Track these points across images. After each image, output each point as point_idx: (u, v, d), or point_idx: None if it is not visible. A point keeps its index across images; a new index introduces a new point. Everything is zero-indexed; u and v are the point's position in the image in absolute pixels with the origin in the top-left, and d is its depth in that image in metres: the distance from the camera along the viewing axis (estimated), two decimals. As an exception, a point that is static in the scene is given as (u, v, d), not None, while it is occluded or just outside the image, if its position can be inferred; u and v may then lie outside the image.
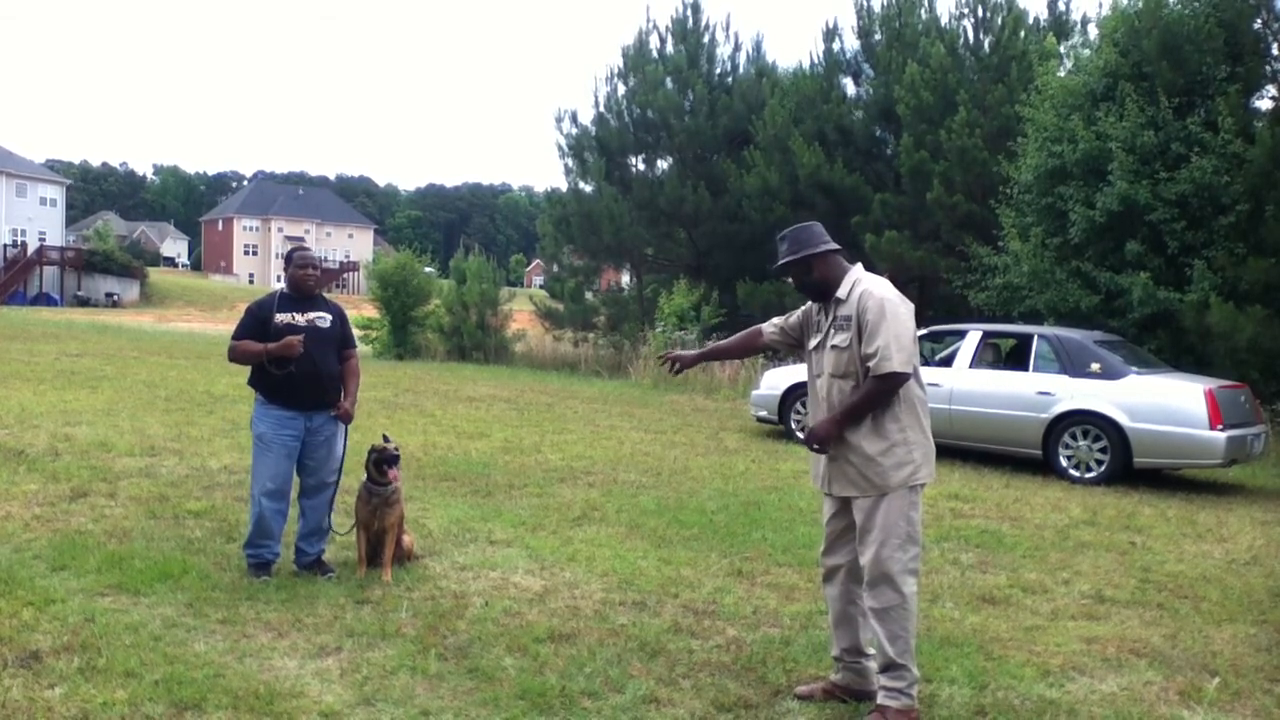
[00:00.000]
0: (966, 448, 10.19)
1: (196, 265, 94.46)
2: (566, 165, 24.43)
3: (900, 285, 4.20)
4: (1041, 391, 9.69)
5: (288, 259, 5.42)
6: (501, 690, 3.87)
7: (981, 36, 19.44)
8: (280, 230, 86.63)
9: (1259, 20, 13.40)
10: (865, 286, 3.80)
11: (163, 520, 6.32)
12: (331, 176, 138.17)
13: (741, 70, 24.08)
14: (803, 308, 4.14)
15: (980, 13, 19.39)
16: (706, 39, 23.91)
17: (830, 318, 3.89)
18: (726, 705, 3.82)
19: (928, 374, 8.21)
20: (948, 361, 10.48)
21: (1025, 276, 13.93)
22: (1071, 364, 9.69)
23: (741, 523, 6.97)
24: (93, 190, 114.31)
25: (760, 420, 12.11)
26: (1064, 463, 9.52)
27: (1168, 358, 12.08)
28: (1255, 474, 10.29)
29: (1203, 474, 10.01)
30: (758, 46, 34.53)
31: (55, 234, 61.32)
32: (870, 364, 3.69)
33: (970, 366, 10.24)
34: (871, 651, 3.88)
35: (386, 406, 12.74)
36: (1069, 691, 4.14)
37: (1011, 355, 10.83)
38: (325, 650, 4.23)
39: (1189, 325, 12.26)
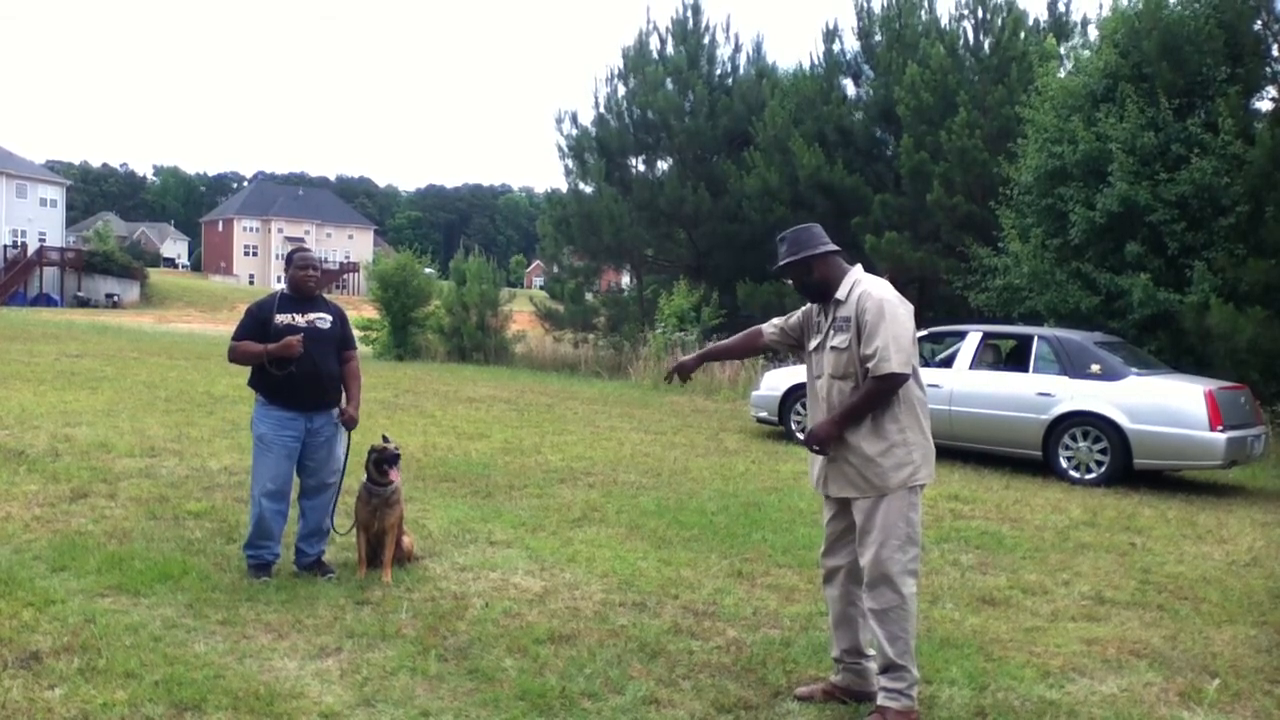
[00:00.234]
0: (966, 449, 10.19)
1: (197, 266, 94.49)
2: (567, 166, 24.48)
3: (900, 286, 4.21)
4: (1041, 392, 9.69)
5: (288, 260, 5.42)
6: (501, 691, 3.87)
7: (981, 38, 19.45)
8: (280, 231, 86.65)
9: (1259, 21, 13.42)
10: (864, 287, 3.80)
11: (163, 521, 6.32)
12: (331, 177, 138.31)
13: (742, 71, 24.11)
14: (803, 308, 4.15)
15: (980, 14, 19.40)
16: (707, 40, 23.94)
17: (830, 319, 3.89)
18: (727, 706, 3.82)
19: (928, 375, 8.22)
20: (948, 363, 10.48)
21: (1025, 277, 13.93)
22: (1071, 365, 9.69)
23: (742, 524, 6.97)
24: (93, 191, 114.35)
25: (760, 421, 12.11)
26: (1064, 464, 9.52)
27: (1168, 359, 12.08)
28: (1255, 475, 10.29)
29: (1203, 475, 10.01)
30: (758, 47, 34.54)
31: (55, 235, 61.35)
32: (869, 365, 3.69)
33: (970, 367, 10.24)
34: (871, 653, 3.89)
35: (386, 407, 12.74)
36: (1069, 693, 4.14)
37: (1011, 356, 10.84)
38: (325, 651, 4.23)
39: (1189, 326, 12.27)
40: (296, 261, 5.36)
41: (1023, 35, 18.68)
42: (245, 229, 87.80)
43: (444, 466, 8.69)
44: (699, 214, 22.20)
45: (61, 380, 14.17)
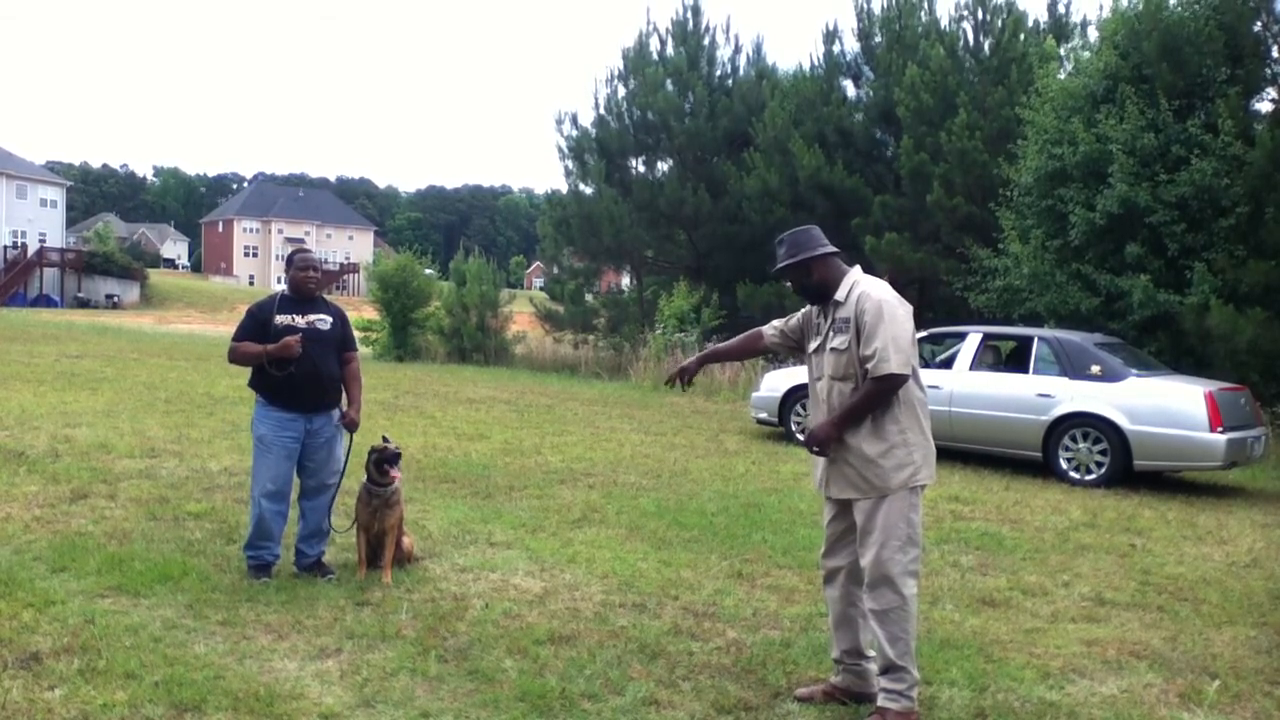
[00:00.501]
0: (967, 450, 10.19)
1: (197, 267, 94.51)
2: (567, 167, 24.49)
3: (900, 287, 4.22)
4: (1042, 394, 9.69)
5: (289, 261, 5.42)
6: (501, 692, 3.87)
7: (981, 39, 19.46)
8: (280, 232, 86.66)
9: (1259, 23, 13.42)
10: (863, 289, 3.80)
11: (163, 522, 6.32)
12: (332, 178, 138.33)
13: (741, 72, 24.11)
14: (802, 310, 4.15)
15: (980, 15, 19.41)
16: (706, 41, 23.94)
17: (829, 320, 3.90)
18: (726, 707, 3.82)
19: (927, 376, 8.21)
20: (948, 364, 10.48)
21: (1025, 279, 13.93)
22: (1071, 366, 9.69)
23: (742, 525, 6.97)
24: (93, 192, 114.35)
25: (760, 422, 12.11)
26: (1064, 465, 9.52)
27: (1168, 360, 12.09)
28: (1255, 476, 10.29)
29: (1203, 476, 10.01)
30: (758, 48, 34.53)
31: (55, 235, 61.36)
32: (868, 366, 3.69)
33: (970, 369, 10.24)
34: (872, 654, 3.89)
35: (386, 408, 12.74)
36: (1069, 694, 4.14)
37: (1012, 357, 10.84)
38: (325, 652, 4.23)
39: (1189, 327, 12.27)
40: (297, 262, 5.36)
41: (1023, 36, 18.68)
42: (245, 230, 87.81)
43: (444, 467, 8.69)
44: (699, 215, 22.21)
45: (61, 381, 14.17)
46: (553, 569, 5.66)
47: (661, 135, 23.31)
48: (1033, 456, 9.79)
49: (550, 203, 26.28)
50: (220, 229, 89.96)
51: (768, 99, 21.67)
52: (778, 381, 11.78)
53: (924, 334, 10.29)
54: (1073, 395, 9.51)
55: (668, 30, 24.00)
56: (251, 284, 79.55)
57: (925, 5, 20.96)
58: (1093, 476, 9.33)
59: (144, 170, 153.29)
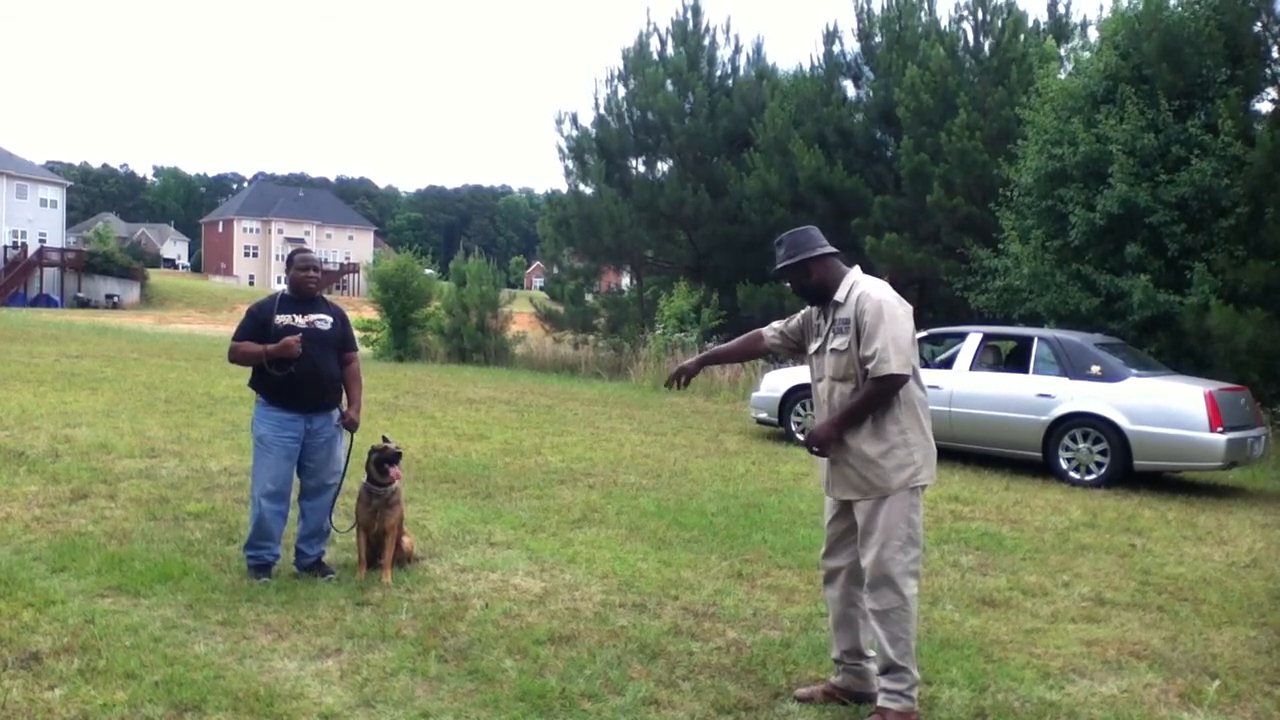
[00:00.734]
0: (967, 450, 10.19)
1: (197, 267, 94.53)
2: (567, 167, 24.49)
3: (900, 287, 4.22)
4: (1042, 394, 9.69)
5: (289, 261, 5.42)
6: (501, 692, 3.87)
7: (981, 39, 19.46)
8: (280, 232, 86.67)
9: (1259, 23, 13.42)
10: (863, 289, 3.80)
11: (163, 522, 6.32)
12: (332, 178, 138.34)
13: (742, 72, 24.11)
14: (803, 311, 4.15)
15: (980, 15, 19.41)
16: (707, 41, 23.95)
17: (829, 321, 3.89)
18: (726, 707, 3.82)
19: (928, 376, 8.21)
20: (948, 364, 10.49)
21: (1025, 279, 13.93)
22: (1072, 366, 9.69)
23: (742, 525, 6.97)
24: (93, 192, 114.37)
25: (760, 422, 12.11)
26: (1064, 465, 9.52)
27: (1168, 360, 12.09)
28: (1255, 476, 10.29)
29: (1203, 476, 10.01)
30: (758, 49, 34.54)
31: (55, 235, 61.37)
32: (868, 366, 3.69)
33: (970, 369, 10.24)
34: (872, 654, 3.89)
35: (386, 408, 12.74)
36: (1069, 694, 4.14)
37: (1012, 357, 10.84)
38: (325, 652, 4.23)
39: (1189, 328, 12.27)
40: (297, 262, 5.36)
41: (1023, 37, 18.68)
42: (245, 230, 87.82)
43: (444, 467, 8.69)
44: (699, 215, 22.21)
45: (61, 381, 14.17)
46: (553, 569, 5.66)
47: (661, 135, 23.31)
48: (1033, 456, 9.79)
49: (550, 203, 26.28)
50: (220, 229, 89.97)
51: (768, 99, 21.67)
52: (778, 381, 11.78)
53: (924, 334, 10.29)
54: (1073, 395, 9.51)
55: (668, 30, 24.02)
56: (251, 284, 79.55)
57: (925, 5, 20.96)
58: (1093, 476, 9.33)
59: (144, 170, 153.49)
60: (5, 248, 56.79)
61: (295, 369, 5.15)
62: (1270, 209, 12.10)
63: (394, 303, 23.55)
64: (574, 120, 24.26)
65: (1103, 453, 9.33)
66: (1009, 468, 10.02)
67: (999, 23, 19.11)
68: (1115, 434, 9.22)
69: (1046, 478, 9.54)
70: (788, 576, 5.71)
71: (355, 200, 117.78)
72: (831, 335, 3.86)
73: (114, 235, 72.02)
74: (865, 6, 21.32)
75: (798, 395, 11.31)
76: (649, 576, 5.57)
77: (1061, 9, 20.14)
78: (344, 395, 5.45)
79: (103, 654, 4.03)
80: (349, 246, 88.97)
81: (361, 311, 25.51)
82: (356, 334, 5.89)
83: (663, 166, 24.45)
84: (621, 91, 23.94)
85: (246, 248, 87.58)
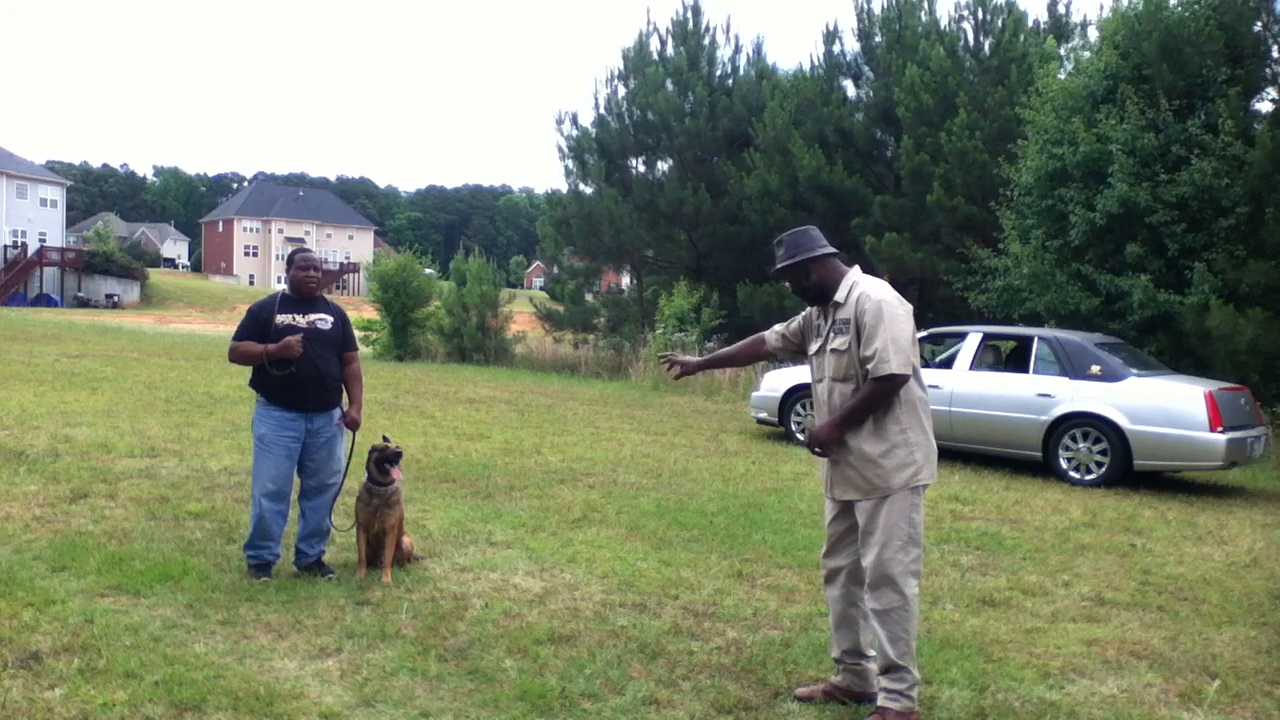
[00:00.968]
0: (967, 450, 10.19)
1: (197, 266, 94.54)
2: (567, 167, 24.52)
3: (900, 287, 4.23)
4: (1042, 393, 9.69)
5: (289, 260, 5.42)
6: (501, 692, 3.87)
7: (981, 39, 19.47)
8: (280, 232, 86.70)
9: (1259, 23, 13.42)
10: (863, 289, 3.80)
11: (163, 521, 6.32)
12: (332, 178, 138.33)
13: (742, 72, 24.12)
14: (803, 313, 4.15)
15: (980, 15, 19.42)
16: (707, 41, 23.95)
17: (829, 321, 3.89)
18: (726, 707, 3.82)
19: (928, 376, 8.21)
20: (948, 363, 10.48)
21: (1025, 279, 13.93)
22: (1072, 366, 9.69)
23: (742, 525, 6.97)
24: (93, 191, 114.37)
25: (760, 422, 12.11)
26: (1064, 465, 9.52)
27: (1168, 360, 12.09)
28: (1255, 476, 10.29)
29: (1203, 476, 10.01)
30: (758, 49, 34.61)
31: (55, 235, 61.38)
32: (869, 366, 3.69)
33: (970, 368, 10.24)
34: (872, 653, 3.89)
35: (387, 408, 12.74)
36: (1069, 693, 4.14)
37: (1012, 357, 10.83)
38: (325, 651, 4.23)
39: (1189, 328, 12.27)
40: (298, 262, 5.36)
41: (1023, 37, 18.69)
42: (245, 229, 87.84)
43: (444, 467, 8.69)
44: (699, 215, 22.21)
45: (62, 381, 14.16)
46: (553, 569, 5.66)
47: (661, 135, 23.32)
48: (1033, 456, 9.79)
49: (550, 203, 26.30)
50: (220, 229, 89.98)
51: (768, 99, 21.67)
52: (778, 381, 11.78)
53: (924, 334, 10.29)
54: (1073, 395, 9.51)
55: (668, 30, 24.04)
56: (252, 284, 79.57)
57: (925, 5, 20.96)
58: (1093, 476, 9.33)
59: (144, 170, 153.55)
60: (5, 247, 56.79)
61: (296, 369, 5.15)
62: (1270, 209, 12.09)
63: (394, 302, 23.55)
64: (574, 120, 24.30)
65: (1103, 452, 9.33)
66: (1009, 468, 10.02)
67: (999, 22, 19.12)
68: (1115, 434, 9.22)
69: (1046, 478, 9.54)
70: (788, 576, 5.71)
71: (355, 200, 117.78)
72: (831, 335, 3.86)
73: (114, 235, 71.98)
74: (865, 6, 21.33)
75: (798, 395, 11.31)
76: (649, 576, 5.57)
77: (1061, 9, 20.17)
78: (344, 395, 5.46)
79: (103, 654, 4.03)
80: (349, 246, 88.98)
81: (361, 311, 25.53)
82: (356, 334, 5.89)
83: (663, 166, 24.47)
84: (621, 91, 23.96)
85: (247, 247, 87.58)
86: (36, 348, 20.48)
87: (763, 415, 11.94)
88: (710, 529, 6.80)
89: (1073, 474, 9.44)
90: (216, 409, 11.83)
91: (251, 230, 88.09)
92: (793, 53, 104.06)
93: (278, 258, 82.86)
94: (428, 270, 25.27)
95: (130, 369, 16.72)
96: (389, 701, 3.75)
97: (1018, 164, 14.74)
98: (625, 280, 29.36)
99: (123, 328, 32.48)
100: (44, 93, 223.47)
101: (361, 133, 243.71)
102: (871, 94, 21.10)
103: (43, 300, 53.49)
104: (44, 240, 59.15)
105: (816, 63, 22.35)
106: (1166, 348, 12.55)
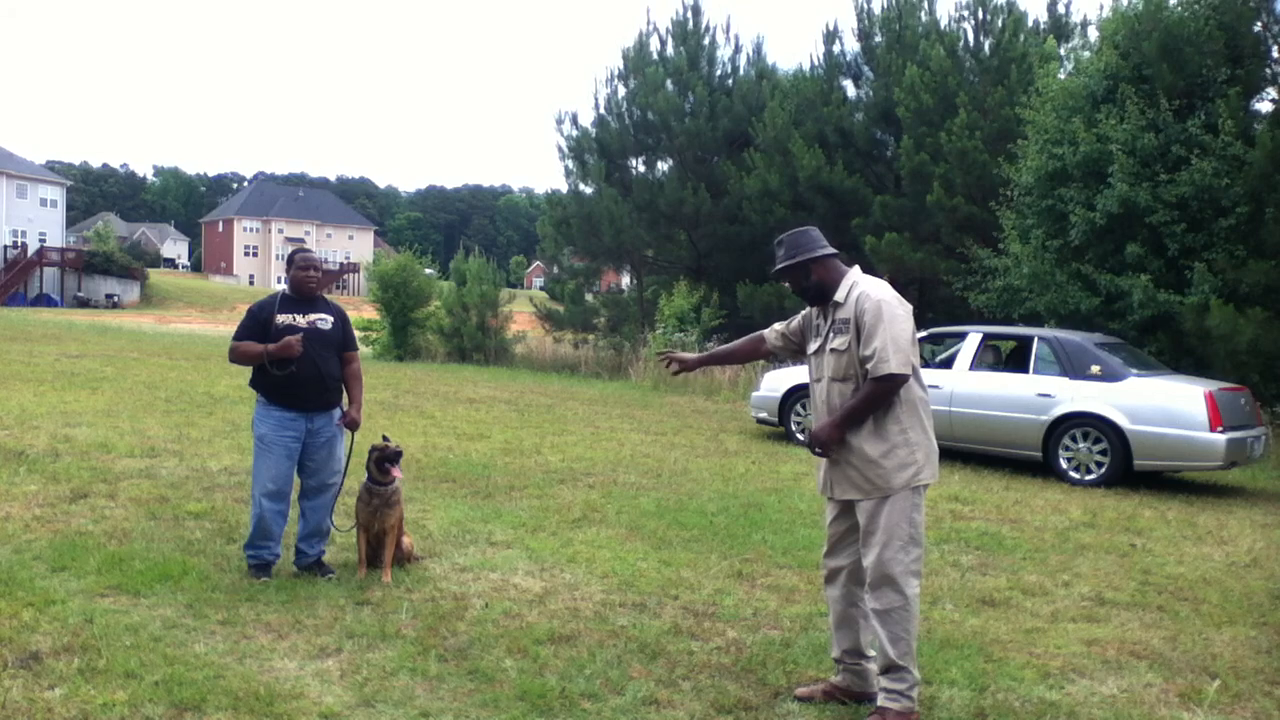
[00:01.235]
0: (967, 450, 10.19)
1: (197, 266, 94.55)
2: (567, 167, 24.53)
3: (900, 287, 4.23)
4: (1042, 393, 9.69)
5: (289, 260, 5.42)
6: (501, 692, 3.87)
7: (981, 39, 19.47)
8: (280, 232, 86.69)
9: (1259, 23, 13.42)
10: (863, 289, 3.80)
11: (163, 521, 6.32)
12: (332, 178, 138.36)
13: (742, 72, 24.13)
14: (803, 312, 4.15)
15: (980, 15, 19.43)
16: (707, 41, 23.95)
17: (829, 321, 3.89)
18: (726, 707, 3.82)
19: (928, 376, 8.21)
20: (948, 363, 10.48)
21: (1025, 279, 13.93)
22: (1072, 366, 9.69)
23: (742, 524, 6.97)
24: (93, 191, 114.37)
25: (760, 422, 12.11)
26: (1064, 465, 9.52)
27: (1168, 360, 12.09)
28: (1255, 476, 10.29)
29: (1203, 476, 10.01)
30: (758, 48, 34.60)
31: (55, 235, 61.36)
32: (868, 366, 3.69)
33: (970, 368, 10.24)
34: (872, 653, 3.89)
35: (387, 408, 12.74)
36: (1069, 693, 4.14)
37: (1012, 357, 10.83)
38: (325, 651, 4.23)
39: (1189, 328, 12.27)
40: (298, 262, 5.36)
41: (1023, 37, 18.69)
42: (245, 229, 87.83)
43: (444, 467, 8.69)
44: (699, 215, 22.21)
45: (61, 381, 14.16)
46: (553, 569, 5.66)
47: (661, 135, 23.32)
48: (1033, 456, 9.79)
49: (550, 203, 26.30)
50: (220, 229, 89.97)
51: (768, 99, 21.68)
52: (778, 381, 11.78)
53: (924, 334, 10.29)
54: (1073, 395, 9.51)
55: (668, 30, 24.04)
56: (252, 284, 79.56)
57: (925, 5, 20.97)
58: (1093, 476, 9.33)
59: (144, 170, 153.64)
60: (5, 247, 56.78)
61: (296, 368, 5.15)
62: (1270, 209, 12.09)
63: (394, 302, 23.55)
64: (574, 120, 24.31)
65: (1103, 452, 9.33)
66: (1009, 468, 10.02)
67: (999, 22, 19.12)
68: (1115, 434, 9.22)
69: (1046, 478, 9.54)
70: (788, 576, 5.71)
71: (355, 200, 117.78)
72: (831, 335, 3.86)
73: (114, 235, 72.00)
74: (865, 6, 21.34)
75: (797, 395, 11.31)
76: (649, 576, 5.57)
77: (1061, 9, 20.18)
78: (344, 395, 5.46)
79: (103, 654, 4.03)
80: (349, 246, 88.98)
81: (361, 311, 25.52)
82: (356, 334, 5.89)
83: (663, 166, 24.48)
84: (621, 91, 23.97)
85: (246, 247, 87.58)
86: (36, 348, 20.48)
87: (763, 415, 11.94)
88: (710, 529, 6.80)
89: (1073, 474, 9.44)
90: (216, 409, 11.83)
91: (251, 230, 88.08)
92: (793, 53, 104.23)
93: (278, 258, 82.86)
94: (428, 270, 25.27)
95: (130, 369, 16.72)
96: (389, 701, 3.75)
97: (1018, 164, 14.74)
98: (625, 280, 29.37)
99: (123, 328, 32.48)
100: (44, 93, 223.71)
101: (361, 133, 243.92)
102: (871, 94, 21.11)
103: (43, 300, 53.49)
104: (44, 240, 59.14)
105: (816, 63, 22.37)
106: (1166, 348, 12.55)
